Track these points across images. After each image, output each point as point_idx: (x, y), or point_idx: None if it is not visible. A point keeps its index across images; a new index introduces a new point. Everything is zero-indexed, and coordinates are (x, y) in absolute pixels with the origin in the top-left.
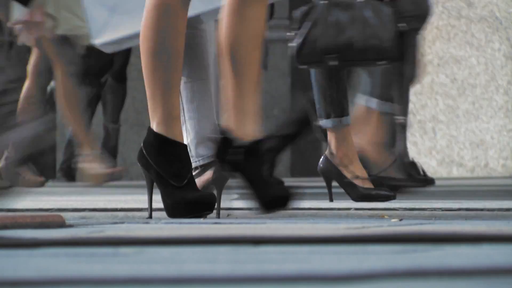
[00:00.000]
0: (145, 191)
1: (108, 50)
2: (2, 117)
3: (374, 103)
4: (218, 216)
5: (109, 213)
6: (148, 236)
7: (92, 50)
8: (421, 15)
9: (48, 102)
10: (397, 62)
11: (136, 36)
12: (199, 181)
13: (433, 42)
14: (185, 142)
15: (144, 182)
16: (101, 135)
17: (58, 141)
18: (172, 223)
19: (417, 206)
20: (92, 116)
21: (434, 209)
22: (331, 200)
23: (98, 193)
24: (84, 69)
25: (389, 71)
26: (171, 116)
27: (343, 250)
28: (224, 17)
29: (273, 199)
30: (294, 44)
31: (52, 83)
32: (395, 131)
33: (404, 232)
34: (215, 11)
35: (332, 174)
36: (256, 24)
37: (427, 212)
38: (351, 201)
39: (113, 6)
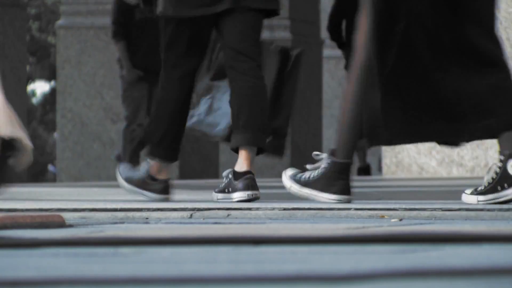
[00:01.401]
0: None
1: None
2: None
3: None
4: None
5: (109, 213)
6: (148, 236)
7: None
8: None
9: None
10: None
11: None
12: None
13: None
14: None
15: None
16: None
17: (58, 140)
18: (172, 223)
19: (417, 206)
20: None
21: (434, 209)
22: None
23: (98, 193)
24: None
25: None
26: None
27: (343, 250)
28: None
29: None
30: None
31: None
32: None
33: (404, 232)
34: None
35: None
36: None
37: (427, 212)
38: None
39: None
